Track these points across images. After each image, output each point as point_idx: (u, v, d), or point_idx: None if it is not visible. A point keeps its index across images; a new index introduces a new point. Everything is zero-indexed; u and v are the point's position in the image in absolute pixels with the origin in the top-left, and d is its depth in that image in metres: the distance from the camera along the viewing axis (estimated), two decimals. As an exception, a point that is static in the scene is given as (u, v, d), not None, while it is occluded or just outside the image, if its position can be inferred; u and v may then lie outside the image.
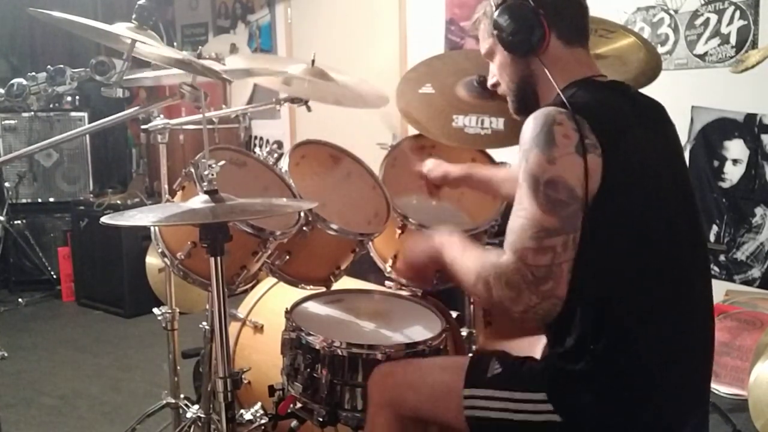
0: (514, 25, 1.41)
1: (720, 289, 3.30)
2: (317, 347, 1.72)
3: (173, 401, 2.41)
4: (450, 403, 1.46)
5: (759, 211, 3.25)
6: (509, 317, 1.33)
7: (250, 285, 2.04)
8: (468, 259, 1.43)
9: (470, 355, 1.51)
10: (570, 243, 1.28)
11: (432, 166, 2.11)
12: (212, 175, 1.55)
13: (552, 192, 1.27)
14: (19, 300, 4.67)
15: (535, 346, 1.61)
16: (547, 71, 1.41)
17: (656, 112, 1.50)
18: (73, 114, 4.95)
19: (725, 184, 3.32)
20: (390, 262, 2.16)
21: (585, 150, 1.27)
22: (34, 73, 3.45)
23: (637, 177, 1.33)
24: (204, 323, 2.14)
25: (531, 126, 1.33)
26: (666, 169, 1.41)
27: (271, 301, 2.34)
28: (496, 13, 1.43)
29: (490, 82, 1.59)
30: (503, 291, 1.30)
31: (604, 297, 1.32)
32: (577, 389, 1.33)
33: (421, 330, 1.84)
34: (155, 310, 2.40)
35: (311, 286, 2.03)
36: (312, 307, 1.98)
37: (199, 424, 2.18)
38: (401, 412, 1.54)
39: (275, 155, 2.13)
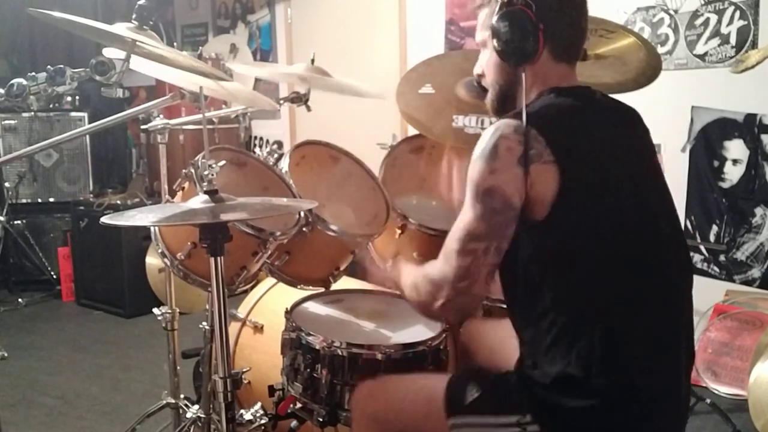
0: (510, 35, 1.39)
1: (720, 289, 3.30)
2: (317, 347, 1.72)
3: (173, 401, 2.41)
4: (433, 426, 1.46)
5: (759, 211, 3.25)
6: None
7: (250, 285, 2.04)
8: (408, 275, 1.54)
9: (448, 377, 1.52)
10: (492, 250, 1.34)
11: None
12: (212, 175, 1.55)
13: (489, 200, 1.32)
14: (19, 300, 4.66)
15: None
16: (524, 83, 1.40)
17: (623, 115, 1.50)
18: (73, 114, 4.94)
19: (725, 184, 3.32)
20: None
21: (528, 161, 1.30)
22: (34, 73, 3.44)
23: (598, 181, 1.34)
24: (204, 323, 2.14)
25: (483, 138, 1.37)
26: (630, 172, 1.41)
27: (271, 301, 2.34)
28: (496, 16, 1.40)
29: (476, 71, 1.57)
30: (426, 288, 1.43)
31: (580, 304, 1.32)
32: (565, 407, 1.33)
33: (421, 330, 1.83)
34: (155, 310, 2.40)
35: (310, 287, 2.03)
36: (312, 307, 1.98)
37: (199, 424, 2.18)
38: (386, 430, 1.55)
39: (275, 155, 2.13)
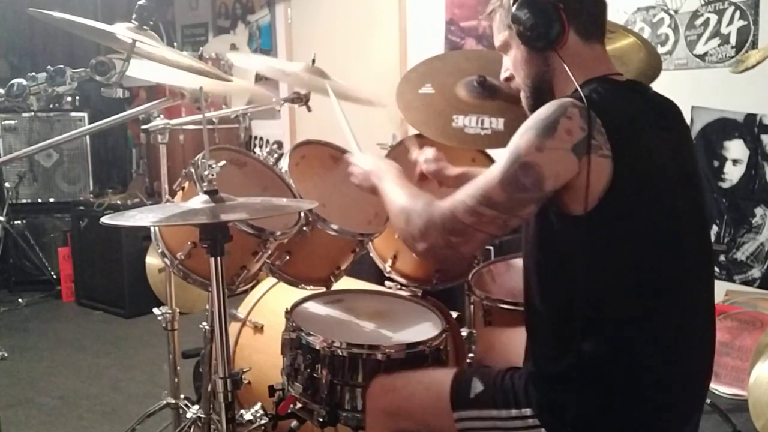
0: (533, 19, 1.36)
1: (720, 289, 3.30)
2: (317, 347, 1.71)
3: (173, 401, 2.41)
4: (441, 422, 1.46)
5: (759, 211, 3.25)
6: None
7: (250, 285, 2.04)
8: (401, 196, 1.47)
9: (453, 372, 1.51)
10: (500, 222, 1.31)
11: (430, 157, 1.97)
12: (212, 175, 1.55)
13: (522, 173, 1.27)
14: (19, 300, 4.67)
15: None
16: (566, 66, 1.37)
17: (672, 113, 1.48)
18: (73, 114, 4.95)
19: (725, 184, 3.32)
20: (390, 262, 2.16)
21: (589, 150, 1.25)
22: (34, 73, 3.43)
23: (647, 179, 1.32)
24: (204, 323, 2.14)
25: (543, 110, 1.31)
26: (677, 171, 1.39)
27: (271, 301, 2.34)
28: (514, 7, 1.38)
29: (503, 75, 1.54)
30: (418, 223, 1.37)
31: (601, 300, 1.31)
32: (563, 402, 1.33)
33: (421, 330, 1.83)
34: (155, 310, 2.40)
35: (311, 286, 2.03)
36: (312, 307, 1.98)
37: (199, 424, 2.18)
38: (398, 426, 1.55)
39: (275, 155, 2.13)
